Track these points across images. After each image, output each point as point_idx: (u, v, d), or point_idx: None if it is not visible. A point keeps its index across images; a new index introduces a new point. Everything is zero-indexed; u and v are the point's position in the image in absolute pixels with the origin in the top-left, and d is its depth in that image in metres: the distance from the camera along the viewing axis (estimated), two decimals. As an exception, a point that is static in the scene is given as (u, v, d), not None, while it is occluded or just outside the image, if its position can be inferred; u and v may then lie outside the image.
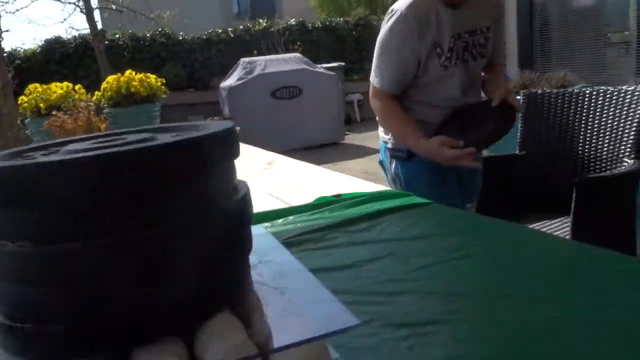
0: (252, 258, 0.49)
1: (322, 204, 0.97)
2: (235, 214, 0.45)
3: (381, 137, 1.50)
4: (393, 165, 1.44)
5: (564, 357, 0.41)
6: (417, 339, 0.48)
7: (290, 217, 0.90)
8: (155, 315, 0.40)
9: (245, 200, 0.46)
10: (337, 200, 0.97)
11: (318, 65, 7.49)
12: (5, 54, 5.92)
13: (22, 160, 0.42)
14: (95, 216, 0.37)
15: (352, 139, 7.61)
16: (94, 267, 0.37)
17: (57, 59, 8.54)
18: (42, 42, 8.54)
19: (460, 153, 1.23)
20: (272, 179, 1.30)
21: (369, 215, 0.87)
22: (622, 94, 1.81)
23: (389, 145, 1.46)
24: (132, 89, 2.08)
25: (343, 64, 8.45)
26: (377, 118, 1.50)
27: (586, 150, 1.88)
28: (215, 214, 0.43)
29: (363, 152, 6.07)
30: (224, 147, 0.44)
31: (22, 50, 8.57)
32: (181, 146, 0.39)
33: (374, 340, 0.48)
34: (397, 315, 0.52)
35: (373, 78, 1.45)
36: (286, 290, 0.48)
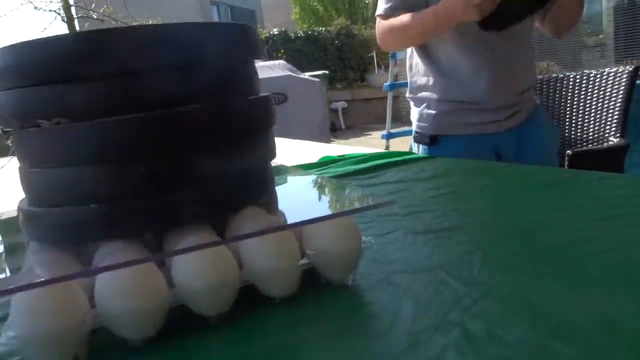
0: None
1: (326, 162, 0.98)
2: (262, 114, 0.46)
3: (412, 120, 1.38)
4: (420, 151, 1.34)
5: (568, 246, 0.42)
6: (441, 240, 0.49)
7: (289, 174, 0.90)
8: (191, 200, 0.40)
9: (269, 103, 0.47)
10: (341, 159, 0.98)
11: (303, 73, 7.53)
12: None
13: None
14: (143, 91, 0.37)
15: (338, 145, 7.63)
16: (136, 143, 0.37)
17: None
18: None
19: None
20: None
21: (376, 167, 0.88)
22: (605, 77, 1.86)
23: (414, 129, 1.35)
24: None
25: (327, 72, 8.51)
26: (395, 46, 1.34)
27: (572, 131, 1.92)
28: (248, 107, 0.44)
29: (349, 156, 6.09)
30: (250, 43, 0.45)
31: None
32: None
33: (400, 242, 0.49)
34: (419, 227, 0.53)
35: (381, 6, 1.25)
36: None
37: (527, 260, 0.42)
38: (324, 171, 0.89)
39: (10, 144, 0.42)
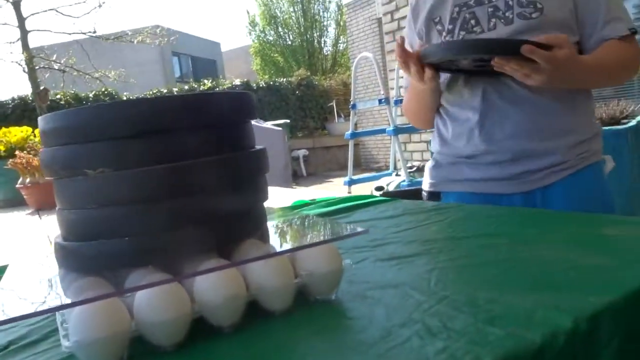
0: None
1: (299, 205, 1.08)
2: (260, 164, 0.56)
3: None
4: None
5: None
6: (404, 264, 0.60)
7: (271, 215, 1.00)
8: (205, 234, 0.50)
9: (264, 154, 0.58)
10: (312, 202, 1.09)
11: (265, 122, 7.70)
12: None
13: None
14: (167, 147, 0.47)
15: (299, 191, 7.74)
16: (162, 188, 0.47)
17: (-7, 119, 8.30)
18: (-22, 104, 8.31)
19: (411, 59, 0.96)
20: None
21: (345, 209, 0.99)
22: None
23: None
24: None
25: (289, 121, 8.72)
26: (415, 124, 1.25)
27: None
28: (249, 158, 0.54)
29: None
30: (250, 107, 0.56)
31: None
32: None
33: (370, 267, 0.60)
34: (385, 255, 0.64)
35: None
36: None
37: (470, 274, 0.54)
38: (298, 214, 0.99)
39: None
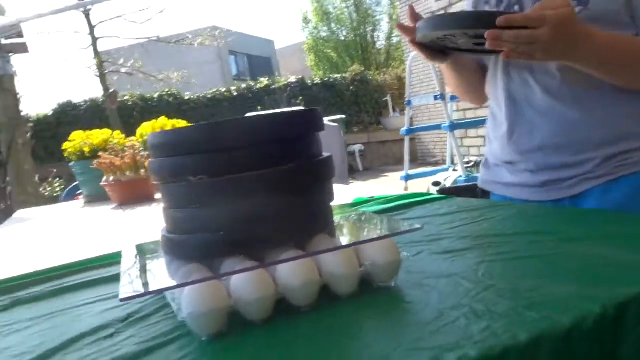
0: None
1: (359, 202, 1.17)
2: (328, 169, 0.65)
3: None
4: None
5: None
6: (456, 257, 0.67)
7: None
8: (284, 229, 0.59)
9: (331, 161, 0.66)
10: (371, 199, 1.17)
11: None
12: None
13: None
14: (253, 157, 0.57)
15: (357, 186, 7.82)
16: (250, 192, 0.57)
17: (68, 120, 8.91)
18: (56, 106, 8.93)
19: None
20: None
21: (402, 206, 1.06)
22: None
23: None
24: (167, 133, 2.32)
25: (344, 116, 8.82)
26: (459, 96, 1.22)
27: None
28: (319, 165, 0.63)
29: (368, 197, 6.27)
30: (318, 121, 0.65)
31: (34, 114, 8.92)
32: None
33: (426, 259, 0.67)
34: (440, 249, 0.72)
35: None
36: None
37: (515, 267, 0.60)
38: (358, 211, 1.08)
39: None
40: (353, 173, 9.12)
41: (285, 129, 0.59)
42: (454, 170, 4.46)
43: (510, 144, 1.00)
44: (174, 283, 0.56)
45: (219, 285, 0.52)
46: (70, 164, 2.33)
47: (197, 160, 0.57)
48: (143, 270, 0.63)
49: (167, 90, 9.40)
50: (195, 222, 0.59)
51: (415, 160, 9.92)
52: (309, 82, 11.12)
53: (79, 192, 2.68)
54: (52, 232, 1.56)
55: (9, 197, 5.17)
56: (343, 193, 1.43)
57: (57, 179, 6.76)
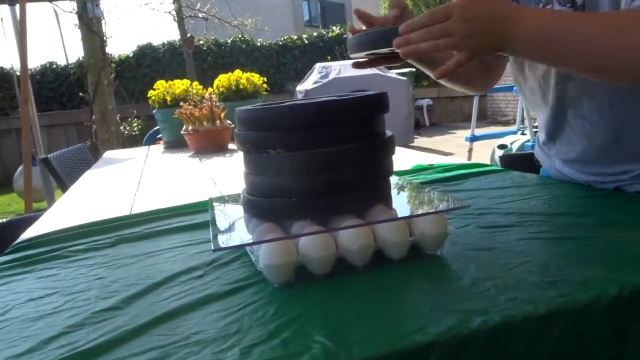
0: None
1: (418, 169, 1.24)
2: (389, 147, 0.73)
3: None
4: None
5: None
6: (499, 233, 0.74)
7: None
8: (349, 199, 0.69)
9: (393, 139, 0.74)
10: (430, 167, 1.24)
11: (390, 71, 7.73)
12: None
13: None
14: (327, 136, 0.67)
15: (422, 142, 7.77)
16: (322, 165, 0.67)
17: (147, 63, 9.31)
18: (135, 48, 9.34)
19: None
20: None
21: (459, 176, 1.13)
22: None
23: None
24: (241, 86, 2.44)
25: (414, 69, 8.64)
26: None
27: None
28: (383, 143, 0.72)
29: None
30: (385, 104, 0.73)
31: (116, 55, 9.37)
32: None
33: (471, 232, 0.75)
34: (485, 223, 0.79)
35: None
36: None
37: (550, 246, 0.67)
38: (416, 177, 1.15)
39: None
40: (419, 128, 9.01)
41: (355, 113, 0.68)
42: (522, 133, 4.35)
43: (552, 150, 1.04)
44: (252, 238, 0.68)
45: (290, 243, 0.63)
46: (154, 111, 2.52)
47: (277, 136, 0.67)
48: (227, 223, 0.75)
49: (240, 36, 9.57)
50: (272, 188, 0.69)
51: (485, 119, 9.63)
52: (381, 31, 10.87)
53: (159, 136, 2.89)
54: (140, 175, 1.75)
55: (94, 135, 5.59)
56: (404, 158, 1.50)
57: (136, 119, 7.18)
